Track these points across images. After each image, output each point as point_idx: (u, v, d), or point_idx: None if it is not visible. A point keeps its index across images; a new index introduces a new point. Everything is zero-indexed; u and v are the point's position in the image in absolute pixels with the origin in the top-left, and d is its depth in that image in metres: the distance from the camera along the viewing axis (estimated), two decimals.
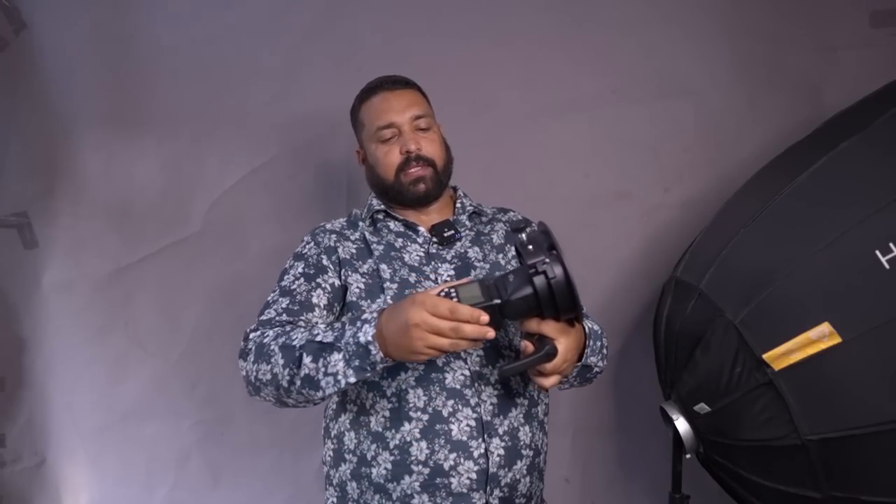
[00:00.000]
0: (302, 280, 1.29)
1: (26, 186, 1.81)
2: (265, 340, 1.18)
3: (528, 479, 1.27)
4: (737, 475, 1.42)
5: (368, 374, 1.10)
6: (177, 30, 1.82)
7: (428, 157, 1.37)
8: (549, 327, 1.10)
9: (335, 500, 1.31)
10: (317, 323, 1.24)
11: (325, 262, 1.31)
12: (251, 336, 1.22)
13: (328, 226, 1.39)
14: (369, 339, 1.07)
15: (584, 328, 1.21)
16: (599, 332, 1.30)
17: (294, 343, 1.14)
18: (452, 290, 1.05)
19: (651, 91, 1.91)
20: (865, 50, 1.86)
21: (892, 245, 1.22)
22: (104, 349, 1.85)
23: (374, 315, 1.09)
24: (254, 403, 1.89)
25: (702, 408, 1.39)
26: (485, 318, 1.02)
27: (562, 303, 1.05)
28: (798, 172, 1.41)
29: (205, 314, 1.88)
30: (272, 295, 1.29)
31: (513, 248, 1.36)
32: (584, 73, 1.90)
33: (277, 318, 1.23)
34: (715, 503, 1.64)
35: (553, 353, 1.10)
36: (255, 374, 1.17)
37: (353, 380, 1.10)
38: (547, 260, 1.04)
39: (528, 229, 1.09)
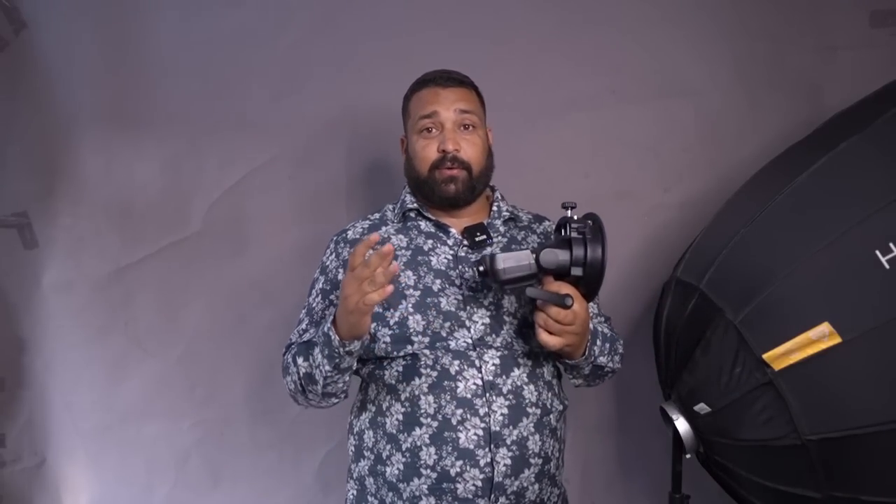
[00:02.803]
0: (320, 297, 1.38)
1: (26, 186, 1.81)
2: (287, 359, 1.33)
3: (536, 486, 1.28)
4: (737, 475, 1.42)
5: (337, 361, 1.19)
6: (177, 30, 1.82)
7: (464, 160, 1.34)
8: (568, 288, 1.18)
9: (355, 493, 1.36)
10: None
11: (340, 276, 1.35)
12: (284, 357, 1.36)
13: (349, 233, 1.40)
14: (329, 325, 1.18)
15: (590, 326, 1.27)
16: (609, 335, 1.37)
17: (294, 350, 1.31)
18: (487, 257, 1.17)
19: (651, 91, 1.91)
20: (865, 50, 1.86)
21: (892, 245, 1.22)
22: (104, 349, 1.85)
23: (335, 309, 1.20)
24: (254, 403, 1.91)
25: (702, 408, 1.38)
26: (374, 237, 1.09)
27: (591, 260, 1.17)
28: (798, 172, 1.41)
29: (205, 314, 1.88)
30: (302, 311, 1.41)
31: None
32: (584, 73, 1.90)
33: (299, 341, 1.36)
34: (715, 503, 1.64)
35: (570, 304, 1.16)
36: (287, 386, 1.33)
37: (327, 367, 1.21)
38: (590, 222, 1.19)
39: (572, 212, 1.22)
